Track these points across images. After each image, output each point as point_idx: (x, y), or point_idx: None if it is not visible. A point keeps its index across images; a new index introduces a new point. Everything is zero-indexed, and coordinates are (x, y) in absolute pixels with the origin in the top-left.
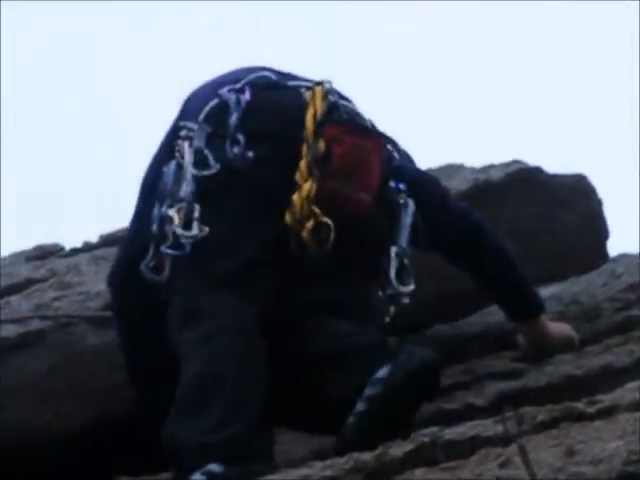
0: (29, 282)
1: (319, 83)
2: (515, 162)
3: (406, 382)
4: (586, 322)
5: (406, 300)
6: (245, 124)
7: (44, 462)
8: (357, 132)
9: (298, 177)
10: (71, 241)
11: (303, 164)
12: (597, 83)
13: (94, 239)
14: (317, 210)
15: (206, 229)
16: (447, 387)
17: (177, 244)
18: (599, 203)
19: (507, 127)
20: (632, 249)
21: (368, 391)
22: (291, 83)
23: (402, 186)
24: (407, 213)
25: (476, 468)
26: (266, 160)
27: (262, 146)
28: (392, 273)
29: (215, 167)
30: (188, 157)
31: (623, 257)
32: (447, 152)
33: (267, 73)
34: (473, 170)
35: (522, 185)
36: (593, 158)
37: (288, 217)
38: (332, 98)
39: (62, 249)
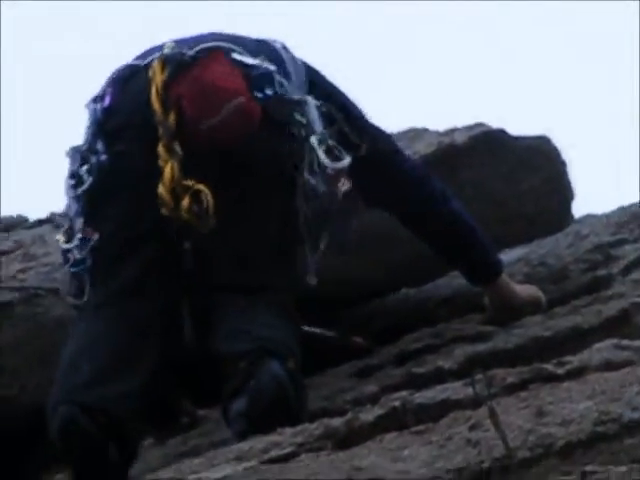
0: None
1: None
2: (479, 125)
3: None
4: (553, 284)
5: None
6: (104, 128)
7: (11, 436)
8: (194, 64)
9: (160, 162)
10: (36, 213)
11: (161, 148)
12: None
13: (60, 210)
14: (188, 182)
15: (95, 236)
16: (416, 351)
17: (74, 261)
18: (564, 164)
19: (470, 90)
20: (597, 209)
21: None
22: (149, 59)
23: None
24: (309, 106)
25: (446, 431)
26: (129, 154)
27: (122, 142)
28: (321, 155)
29: (88, 181)
30: (66, 182)
31: (588, 218)
32: (410, 116)
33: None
34: (437, 133)
35: (486, 148)
36: (557, 118)
37: (164, 210)
38: (172, 56)
39: (27, 220)
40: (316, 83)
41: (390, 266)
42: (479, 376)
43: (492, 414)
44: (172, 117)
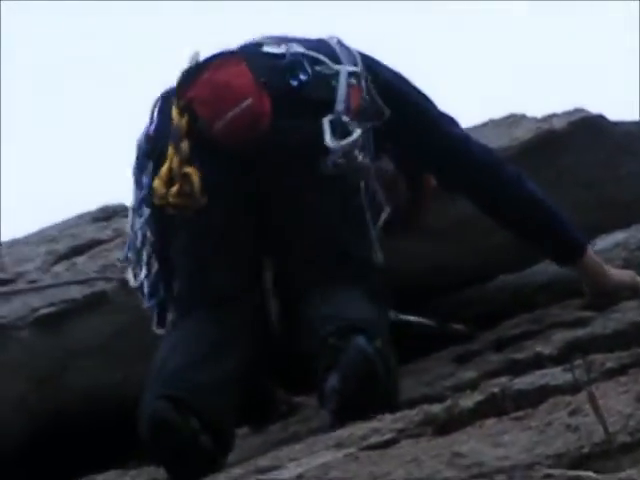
0: (94, 243)
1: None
2: (578, 110)
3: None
4: None
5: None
6: (150, 156)
7: (111, 424)
8: (206, 68)
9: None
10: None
11: (170, 148)
12: None
13: None
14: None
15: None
16: (515, 337)
17: (149, 295)
18: None
19: (570, 76)
20: None
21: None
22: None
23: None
24: (341, 80)
25: (546, 417)
26: None
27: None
28: (327, 137)
29: (145, 213)
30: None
31: None
32: (509, 102)
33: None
34: (536, 119)
35: (585, 133)
36: None
37: (155, 200)
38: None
39: (126, 209)
40: (375, 71)
41: (487, 252)
42: (578, 361)
43: (591, 399)
44: (184, 120)
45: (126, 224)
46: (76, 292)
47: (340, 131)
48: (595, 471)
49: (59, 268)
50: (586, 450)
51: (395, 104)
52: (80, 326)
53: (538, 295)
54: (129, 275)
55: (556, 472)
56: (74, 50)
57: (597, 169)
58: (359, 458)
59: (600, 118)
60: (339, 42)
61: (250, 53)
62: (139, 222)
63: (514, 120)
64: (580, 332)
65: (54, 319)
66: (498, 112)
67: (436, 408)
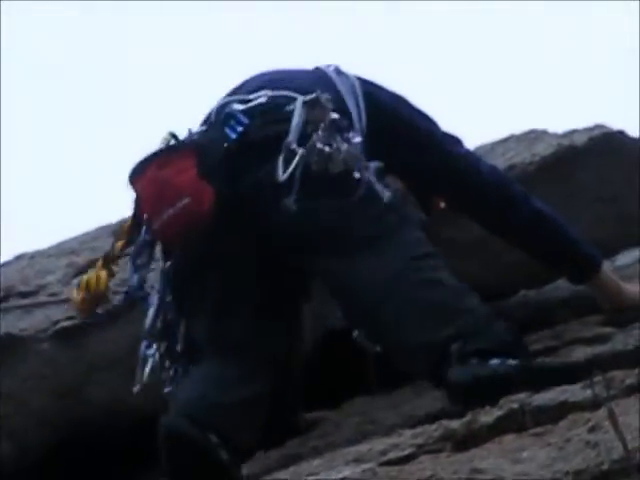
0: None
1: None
2: (598, 126)
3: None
4: None
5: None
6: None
7: (131, 437)
8: (154, 161)
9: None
10: None
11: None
12: None
13: None
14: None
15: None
16: (535, 353)
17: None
18: None
19: (589, 92)
20: None
21: None
22: None
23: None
24: (297, 109)
25: (565, 433)
26: None
27: None
28: (280, 173)
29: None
30: None
31: None
32: (530, 118)
33: None
34: (556, 135)
35: (606, 149)
36: None
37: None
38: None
39: None
40: (374, 96)
41: (509, 268)
42: (598, 378)
43: (611, 416)
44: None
45: None
46: None
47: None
48: None
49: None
50: (605, 467)
51: (395, 127)
52: (100, 339)
53: (559, 311)
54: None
55: None
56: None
57: (617, 185)
58: (378, 473)
59: (620, 134)
60: (336, 70)
61: (206, 135)
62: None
63: (536, 136)
64: (600, 348)
65: (75, 332)
66: (519, 128)
67: (455, 424)
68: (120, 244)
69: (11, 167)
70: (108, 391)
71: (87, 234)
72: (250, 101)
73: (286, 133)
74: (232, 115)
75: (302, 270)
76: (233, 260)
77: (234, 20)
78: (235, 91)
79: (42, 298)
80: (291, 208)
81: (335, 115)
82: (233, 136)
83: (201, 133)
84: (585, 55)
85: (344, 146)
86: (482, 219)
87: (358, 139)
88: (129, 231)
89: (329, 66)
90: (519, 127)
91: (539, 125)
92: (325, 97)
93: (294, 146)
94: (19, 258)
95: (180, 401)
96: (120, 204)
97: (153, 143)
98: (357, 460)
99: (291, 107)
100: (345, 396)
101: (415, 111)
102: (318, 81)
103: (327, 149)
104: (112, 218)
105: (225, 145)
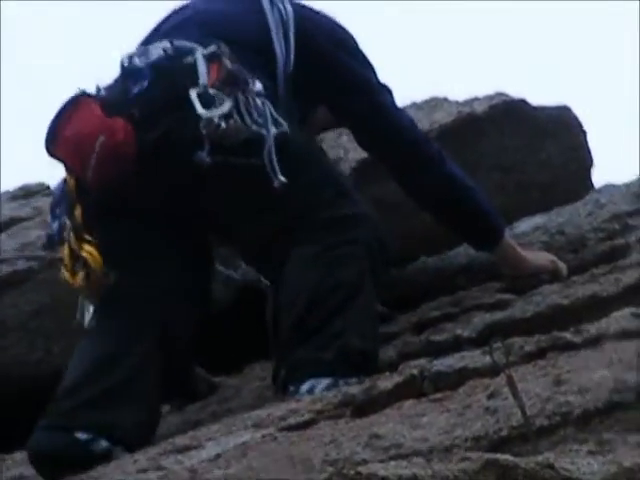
0: (14, 221)
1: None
2: (499, 94)
3: None
4: (572, 252)
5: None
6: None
7: (34, 400)
8: (63, 120)
9: None
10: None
11: None
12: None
13: None
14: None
15: None
16: (434, 319)
17: None
18: (583, 134)
19: (491, 59)
20: (616, 179)
21: None
22: None
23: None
24: (198, 59)
25: (464, 399)
26: None
27: None
28: (198, 107)
29: None
30: None
31: (607, 187)
32: (431, 85)
33: None
34: (457, 103)
35: (506, 117)
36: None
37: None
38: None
39: (47, 188)
40: (308, 33)
41: (408, 235)
42: (497, 344)
43: (510, 382)
44: (72, 182)
45: (46, 202)
46: None
47: (207, 103)
48: (513, 454)
49: None
50: (504, 433)
51: (326, 67)
52: (0, 304)
53: (458, 277)
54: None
55: (474, 455)
56: None
57: (517, 153)
58: (277, 438)
59: (521, 102)
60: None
61: (112, 88)
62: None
63: (436, 103)
64: (500, 315)
65: None
66: (420, 95)
67: (354, 389)
68: (78, 212)
69: None
70: (8, 356)
71: None
72: (148, 53)
73: (189, 85)
74: (133, 70)
75: (209, 226)
76: (143, 209)
77: None
78: (147, 39)
79: None
80: (205, 161)
81: (232, 66)
82: (135, 91)
83: (106, 88)
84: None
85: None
86: (394, 174)
87: (258, 85)
88: (76, 196)
89: None
90: (419, 94)
91: (439, 92)
92: (224, 51)
93: (212, 90)
94: None
95: (59, 393)
96: (18, 170)
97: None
98: (257, 425)
99: (189, 59)
100: (246, 361)
101: (352, 54)
102: (244, 15)
103: (223, 124)
104: (10, 184)
105: (127, 99)
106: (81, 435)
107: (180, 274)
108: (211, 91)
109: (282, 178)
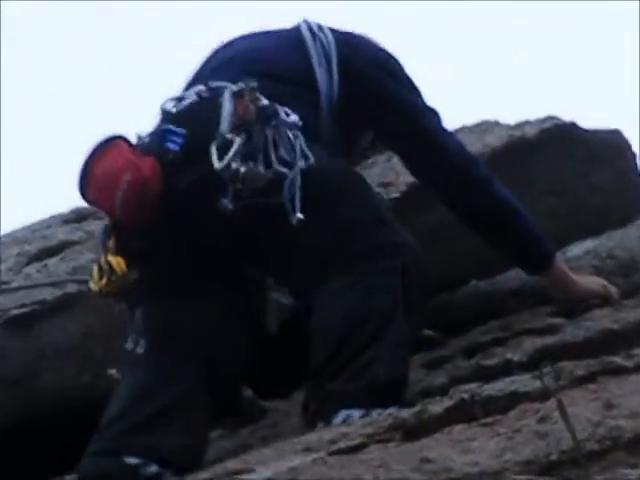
0: (66, 244)
1: None
2: (550, 118)
3: None
4: (623, 276)
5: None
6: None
7: (83, 424)
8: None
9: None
10: None
11: None
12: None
13: None
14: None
15: None
16: (485, 344)
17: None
18: (634, 158)
19: (542, 83)
20: None
21: None
22: None
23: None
24: (225, 100)
25: (515, 424)
26: None
27: None
28: (215, 161)
29: None
30: None
31: None
32: (482, 109)
33: None
34: (508, 127)
35: (557, 141)
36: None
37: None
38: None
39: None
40: (351, 62)
41: (459, 258)
42: (547, 368)
43: (560, 407)
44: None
45: (98, 226)
46: (47, 294)
47: (224, 148)
48: (563, 478)
49: (30, 269)
50: (554, 457)
51: (371, 94)
52: (51, 328)
53: (509, 301)
54: None
55: (524, 479)
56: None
57: (568, 177)
58: (328, 462)
59: (572, 126)
60: (314, 30)
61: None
62: None
63: (487, 127)
64: (550, 339)
65: (25, 320)
66: (471, 119)
67: (405, 413)
68: (112, 243)
69: None
70: (58, 379)
71: (39, 223)
72: (184, 99)
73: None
74: (168, 116)
75: (243, 258)
76: (180, 242)
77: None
78: (190, 82)
79: None
80: (227, 208)
81: (263, 102)
82: (168, 137)
83: (144, 140)
84: (541, 46)
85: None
86: (444, 198)
87: (293, 117)
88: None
89: (309, 24)
90: (471, 118)
91: (492, 116)
92: (251, 87)
93: (228, 135)
94: None
95: (104, 421)
96: (71, 194)
97: None
98: (307, 449)
99: (219, 100)
100: (295, 385)
101: (397, 79)
102: (285, 50)
103: (242, 169)
104: (63, 207)
105: (159, 143)
106: (130, 460)
107: (227, 303)
108: (228, 136)
109: (300, 215)
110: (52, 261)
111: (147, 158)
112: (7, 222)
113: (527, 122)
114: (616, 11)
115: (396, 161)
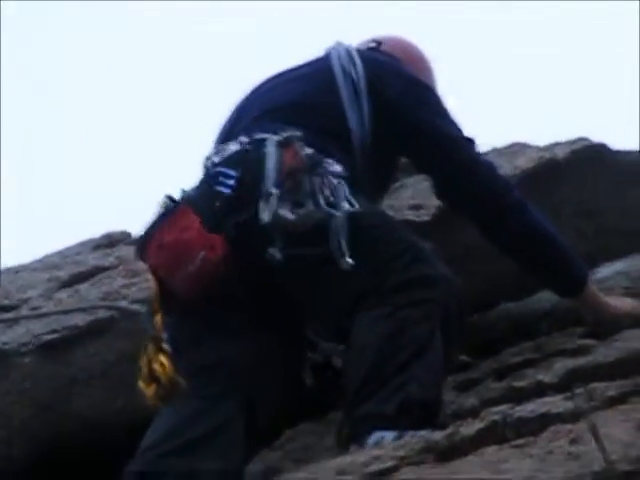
0: (97, 270)
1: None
2: (580, 139)
3: None
4: None
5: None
6: None
7: (115, 448)
8: (158, 228)
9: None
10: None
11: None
12: None
13: None
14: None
15: None
16: (516, 365)
17: None
18: None
19: (572, 104)
20: None
21: None
22: None
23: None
24: (269, 158)
25: (547, 445)
26: None
27: None
28: (265, 216)
29: None
30: None
31: None
32: (512, 131)
33: None
34: (538, 148)
35: (588, 162)
36: None
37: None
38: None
39: (130, 236)
40: (382, 95)
41: (489, 280)
42: (579, 390)
43: (592, 428)
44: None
45: (129, 251)
46: (79, 319)
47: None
48: None
49: (62, 295)
50: (587, 479)
51: (403, 125)
52: (82, 353)
53: (540, 323)
54: None
55: None
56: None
57: (599, 198)
58: None
59: (602, 147)
60: (340, 57)
61: (198, 191)
62: None
63: (517, 149)
64: (582, 360)
65: (57, 346)
66: (501, 140)
67: (437, 435)
68: (158, 318)
69: None
70: (90, 404)
71: (70, 249)
72: (226, 149)
73: (261, 178)
74: (218, 173)
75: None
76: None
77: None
78: (224, 133)
79: (24, 312)
80: (276, 256)
81: (308, 151)
82: (226, 191)
83: (193, 191)
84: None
85: (309, 206)
86: (476, 223)
87: (337, 167)
88: (159, 303)
89: (340, 57)
90: (501, 140)
91: (521, 138)
92: (296, 136)
93: (272, 190)
94: (3, 272)
95: (145, 443)
96: (102, 219)
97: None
98: (340, 472)
99: (264, 150)
100: (328, 407)
101: (432, 109)
102: (316, 97)
103: (289, 216)
104: (94, 233)
105: (217, 202)
106: None
107: (267, 349)
108: (273, 191)
109: (349, 260)
110: (83, 286)
111: (216, 237)
112: (39, 247)
113: (557, 143)
114: None
115: (426, 184)
